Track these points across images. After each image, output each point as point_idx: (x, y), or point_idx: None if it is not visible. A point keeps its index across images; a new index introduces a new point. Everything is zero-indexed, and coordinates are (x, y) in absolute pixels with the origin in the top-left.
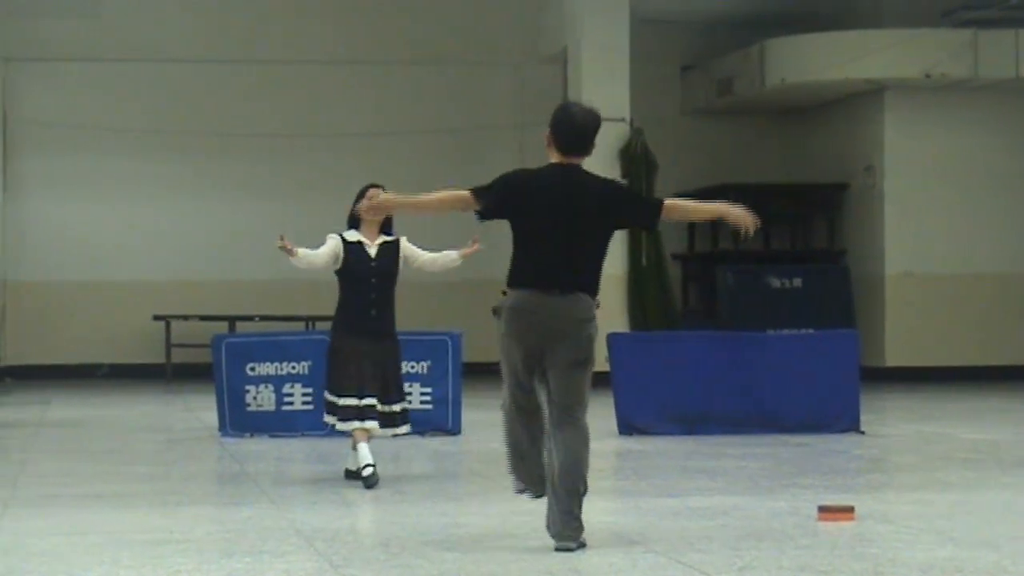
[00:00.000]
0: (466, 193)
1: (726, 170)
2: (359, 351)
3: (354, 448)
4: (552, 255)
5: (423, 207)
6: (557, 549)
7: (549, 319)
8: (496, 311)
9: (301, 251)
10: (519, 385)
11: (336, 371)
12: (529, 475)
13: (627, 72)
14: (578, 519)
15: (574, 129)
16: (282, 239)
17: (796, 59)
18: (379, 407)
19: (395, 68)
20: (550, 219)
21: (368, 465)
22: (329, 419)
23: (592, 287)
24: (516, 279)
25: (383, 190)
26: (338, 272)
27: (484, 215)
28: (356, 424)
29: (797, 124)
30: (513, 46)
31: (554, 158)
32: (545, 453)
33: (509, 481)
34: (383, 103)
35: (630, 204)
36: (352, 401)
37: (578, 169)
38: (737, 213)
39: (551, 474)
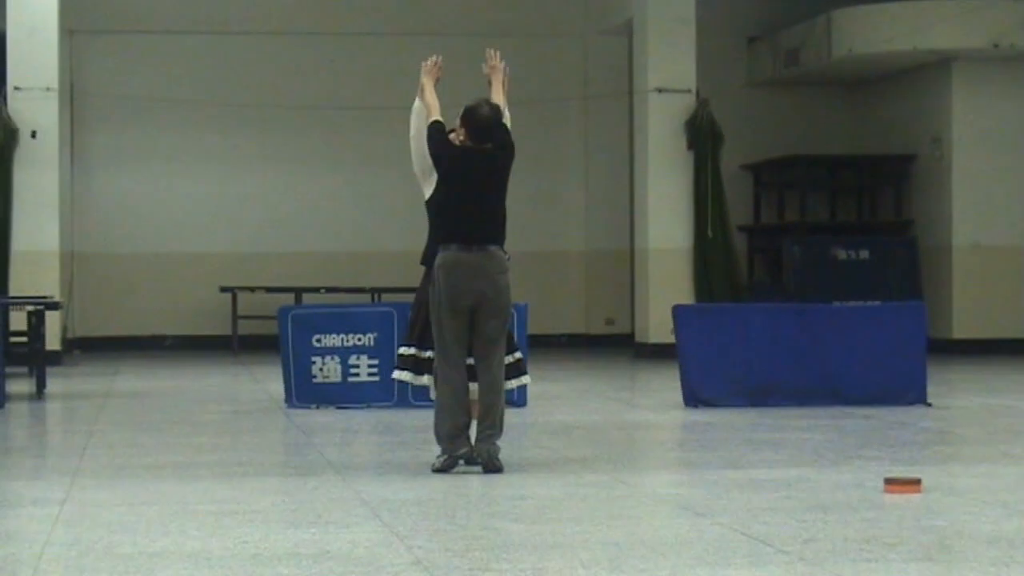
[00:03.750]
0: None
1: (792, 142)
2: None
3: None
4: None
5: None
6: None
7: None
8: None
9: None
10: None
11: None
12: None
13: (693, 43)
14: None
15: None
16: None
17: (863, 30)
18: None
19: (460, 40)
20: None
21: None
22: (406, 375)
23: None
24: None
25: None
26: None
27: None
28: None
29: (864, 95)
30: (578, 18)
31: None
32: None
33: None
34: (447, 76)
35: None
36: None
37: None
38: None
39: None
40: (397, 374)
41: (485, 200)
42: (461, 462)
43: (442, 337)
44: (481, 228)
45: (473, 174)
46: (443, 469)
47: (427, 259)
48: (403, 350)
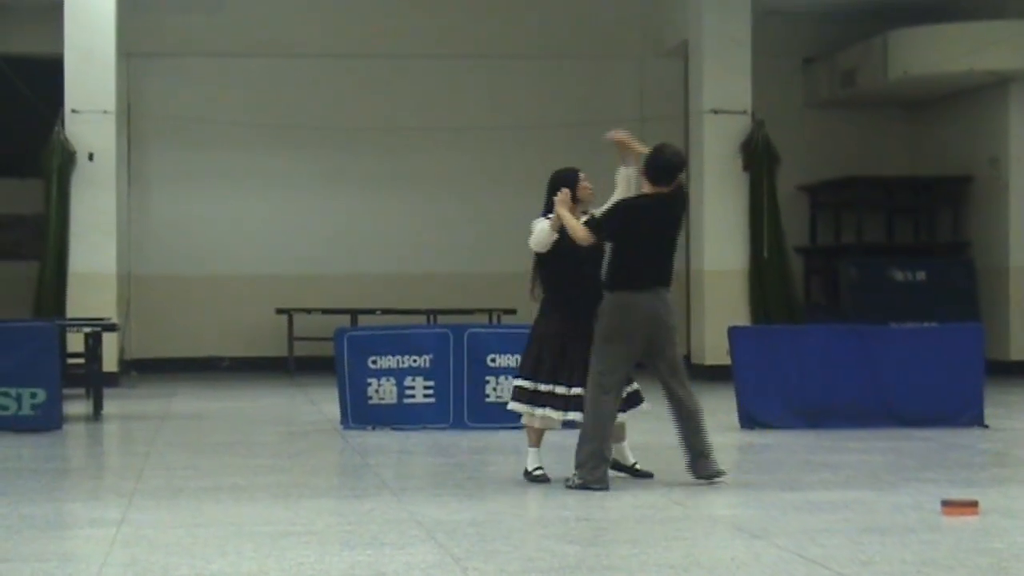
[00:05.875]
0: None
1: (848, 163)
2: (567, 336)
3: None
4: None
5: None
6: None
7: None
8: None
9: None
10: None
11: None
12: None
13: (749, 65)
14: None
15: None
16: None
17: (919, 51)
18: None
19: (517, 63)
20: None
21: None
22: (523, 407)
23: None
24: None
25: (580, 173)
26: (548, 257)
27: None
28: (559, 414)
29: (921, 116)
30: (634, 40)
31: (647, 188)
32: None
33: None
34: (505, 97)
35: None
36: (561, 390)
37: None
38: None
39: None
40: (513, 405)
41: (665, 243)
42: (594, 487)
43: (609, 369)
44: (660, 271)
45: (653, 221)
46: (574, 487)
47: (546, 301)
48: (519, 382)
